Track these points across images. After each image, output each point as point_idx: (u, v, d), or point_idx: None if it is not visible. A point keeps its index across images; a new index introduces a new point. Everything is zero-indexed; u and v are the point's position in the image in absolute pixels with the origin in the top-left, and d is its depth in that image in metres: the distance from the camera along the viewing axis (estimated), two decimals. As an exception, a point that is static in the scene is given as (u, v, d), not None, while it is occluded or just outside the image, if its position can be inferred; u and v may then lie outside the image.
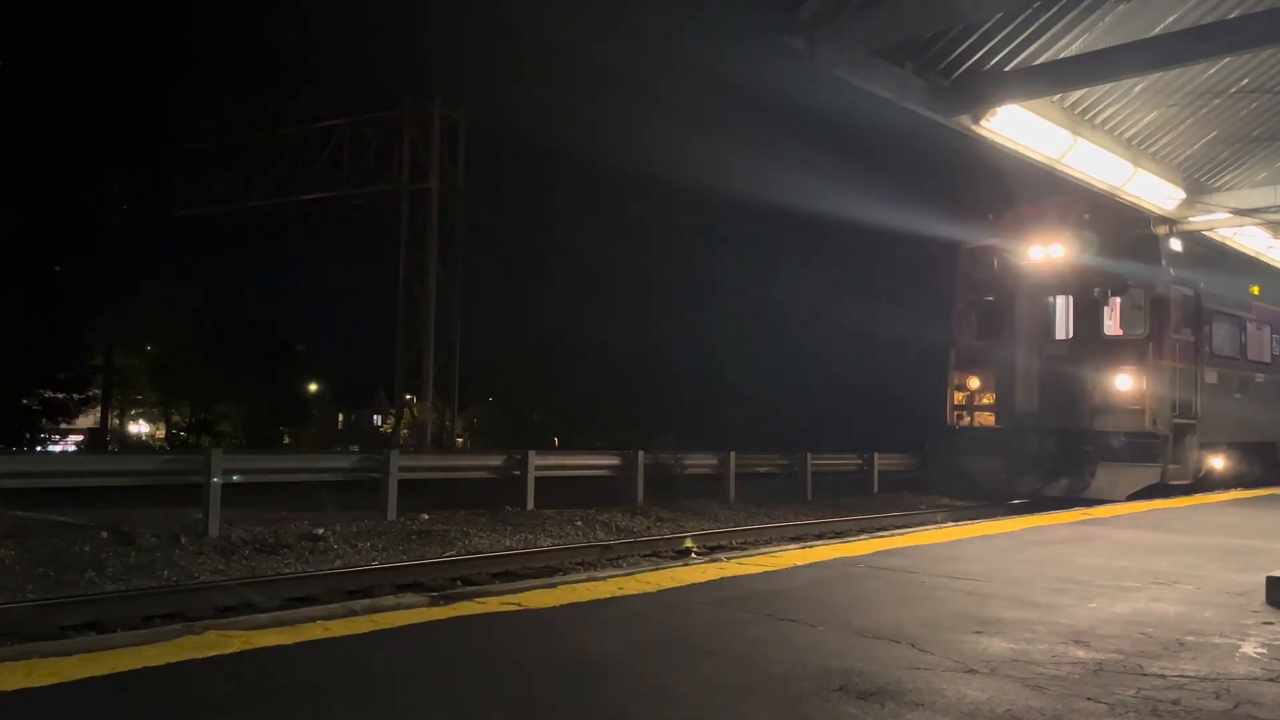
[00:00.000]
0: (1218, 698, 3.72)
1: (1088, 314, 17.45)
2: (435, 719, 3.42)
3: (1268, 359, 20.35)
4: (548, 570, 10.75)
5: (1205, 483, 17.24)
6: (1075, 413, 16.89)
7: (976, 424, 18.17)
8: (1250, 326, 19.73)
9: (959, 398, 18.45)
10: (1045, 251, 17.52)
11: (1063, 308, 17.87)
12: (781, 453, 20.86)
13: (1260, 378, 19.75)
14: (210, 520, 11.54)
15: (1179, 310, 17.12)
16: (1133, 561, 7.37)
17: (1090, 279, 17.28)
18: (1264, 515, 12.05)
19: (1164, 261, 16.95)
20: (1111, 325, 17.48)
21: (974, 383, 18.17)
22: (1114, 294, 17.27)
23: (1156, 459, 16.20)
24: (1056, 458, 17.03)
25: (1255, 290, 19.78)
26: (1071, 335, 17.65)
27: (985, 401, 18.10)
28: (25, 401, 36.65)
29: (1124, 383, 16.42)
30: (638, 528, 14.63)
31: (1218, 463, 17.87)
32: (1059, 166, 13.48)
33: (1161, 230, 16.96)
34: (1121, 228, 17.07)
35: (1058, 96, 13.10)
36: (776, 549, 7.64)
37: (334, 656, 4.16)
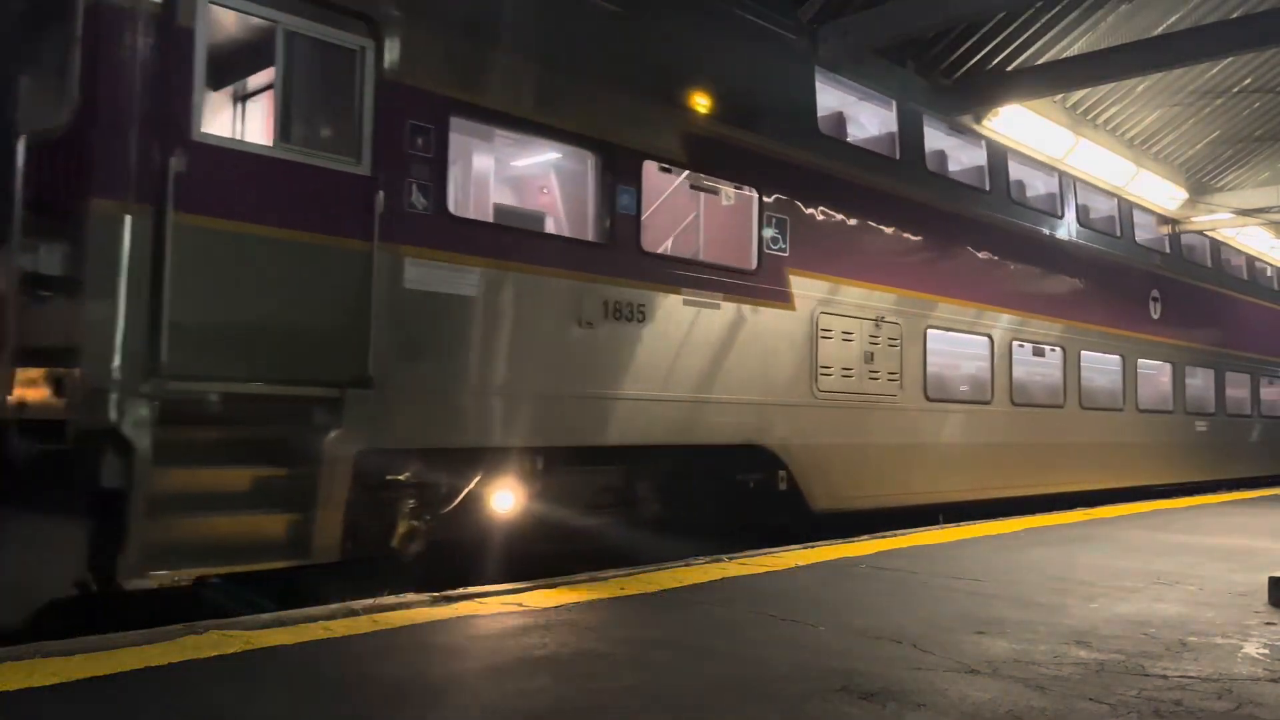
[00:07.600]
0: (1220, 698, 3.72)
1: None
2: (437, 719, 3.43)
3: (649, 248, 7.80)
4: (549, 570, 10.74)
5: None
6: None
7: None
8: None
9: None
10: None
11: None
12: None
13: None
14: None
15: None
16: (1135, 562, 7.36)
17: None
18: (1266, 516, 12.03)
19: None
20: None
21: None
22: None
23: None
24: None
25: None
26: None
27: None
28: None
29: None
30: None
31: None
32: (1062, 166, 13.48)
33: None
34: None
35: (1060, 96, 13.12)
36: (780, 549, 7.64)
37: (335, 657, 4.16)
